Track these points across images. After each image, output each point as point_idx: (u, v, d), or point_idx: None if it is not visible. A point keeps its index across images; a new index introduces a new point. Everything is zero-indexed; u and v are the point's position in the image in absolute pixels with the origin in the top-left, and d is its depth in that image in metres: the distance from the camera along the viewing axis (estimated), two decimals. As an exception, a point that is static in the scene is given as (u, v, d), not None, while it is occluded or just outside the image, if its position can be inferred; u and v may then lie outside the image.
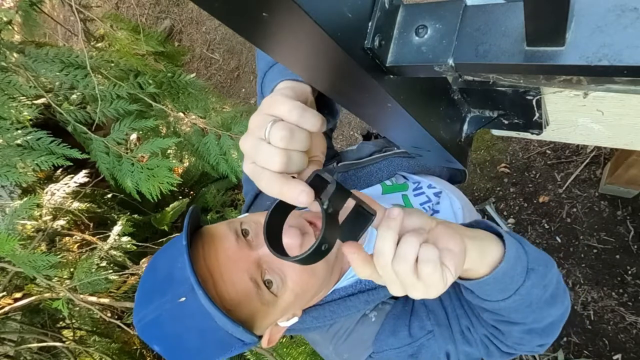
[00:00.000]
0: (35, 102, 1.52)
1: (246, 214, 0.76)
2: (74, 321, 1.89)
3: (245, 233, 0.63)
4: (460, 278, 0.54)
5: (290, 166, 0.38)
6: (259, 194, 0.83)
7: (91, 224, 2.04)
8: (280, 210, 0.44)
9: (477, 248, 0.50)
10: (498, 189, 2.23)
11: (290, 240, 0.58)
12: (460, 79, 0.42)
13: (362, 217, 0.43)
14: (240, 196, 2.84)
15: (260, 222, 0.64)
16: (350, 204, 0.42)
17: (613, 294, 1.87)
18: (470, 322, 0.66)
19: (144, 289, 0.62)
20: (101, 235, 1.86)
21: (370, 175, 0.82)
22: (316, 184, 0.40)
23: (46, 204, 1.81)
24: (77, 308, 1.77)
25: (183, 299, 0.56)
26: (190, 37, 3.53)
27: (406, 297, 0.69)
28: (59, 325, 1.91)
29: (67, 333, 1.91)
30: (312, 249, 0.39)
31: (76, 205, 1.89)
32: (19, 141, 1.37)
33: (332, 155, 0.89)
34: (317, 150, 0.45)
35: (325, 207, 0.39)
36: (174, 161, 1.64)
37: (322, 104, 0.58)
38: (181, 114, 1.75)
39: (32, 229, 1.74)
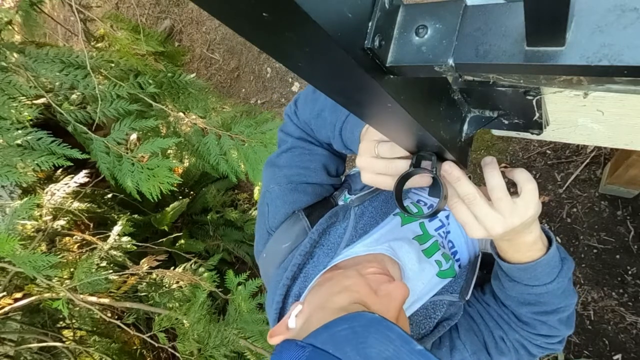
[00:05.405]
0: (35, 102, 1.52)
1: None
2: (74, 321, 1.89)
3: None
4: (516, 264, 0.62)
5: (396, 170, 0.55)
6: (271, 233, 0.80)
7: (91, 224, 2.05)
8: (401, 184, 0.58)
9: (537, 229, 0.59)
10: (498, 189, 2.23)
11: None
12: (460, 79, 0.42)
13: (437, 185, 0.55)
14: (240, 196, 2.84)
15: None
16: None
17: (613, 294, 1.87)
18: (503, 331, 0.70)
19: None
20: (101, 235, 1.86)
21: (386, 202, 0.80)
22: (419, 161, 0.53)
23: (46, 204, 1.81)
24: (77, 308, 1.77)
25: None
26: (190, 37, 3.53)
27: (442, 337, 0.70)
28: (59, 325, 1.92)
29: (67, 333, 1.91)
30: (436, 209, 0.51)
31: (76, 205, 1.89)
32: (19, 141, 1.37)
33: (341, 183, 0.87)
34: None
35: (435, 173, 0.51)
36: (174, 161, 1.64)
37: None
38: (181, 114, 1.76)
39: (32, 229, 1.74)
